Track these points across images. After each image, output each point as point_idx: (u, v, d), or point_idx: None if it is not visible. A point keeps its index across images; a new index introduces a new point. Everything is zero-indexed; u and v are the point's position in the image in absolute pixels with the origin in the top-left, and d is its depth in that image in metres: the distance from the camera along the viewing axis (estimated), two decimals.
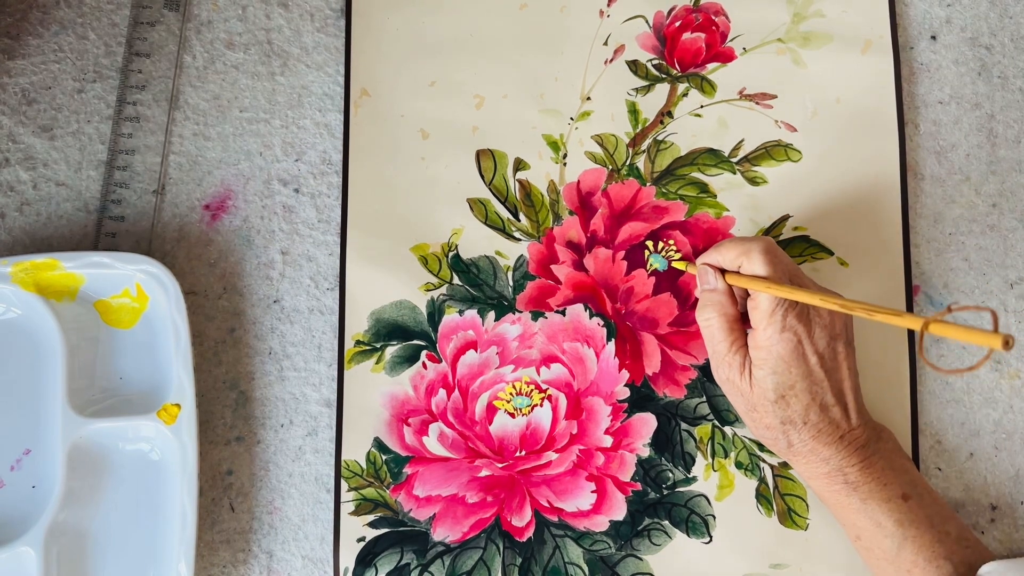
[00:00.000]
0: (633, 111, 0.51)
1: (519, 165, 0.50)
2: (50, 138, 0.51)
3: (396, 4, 0.52)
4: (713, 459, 0.48)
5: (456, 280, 0.49)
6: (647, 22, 0.52)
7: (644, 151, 0.50)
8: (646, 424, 0.48)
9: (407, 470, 0.48)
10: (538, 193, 0.50)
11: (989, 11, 0.52)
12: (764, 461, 0.48)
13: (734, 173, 0.50)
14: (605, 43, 0.51)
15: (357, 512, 0.47)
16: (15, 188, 0.50)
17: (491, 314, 0.49)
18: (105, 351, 0.48)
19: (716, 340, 0.43)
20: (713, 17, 0.51)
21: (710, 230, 0.50)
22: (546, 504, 0.47)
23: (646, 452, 0.48)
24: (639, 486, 0.47)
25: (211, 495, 0.48)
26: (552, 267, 0.49)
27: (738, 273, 0.43)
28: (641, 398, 0.48)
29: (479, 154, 0.51)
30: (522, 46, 0.51)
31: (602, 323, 0.49)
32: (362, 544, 0.47)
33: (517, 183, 0.50)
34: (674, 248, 0.49)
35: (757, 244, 0.42)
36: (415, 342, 0.49)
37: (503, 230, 0.50)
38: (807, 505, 0.47)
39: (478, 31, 0.52)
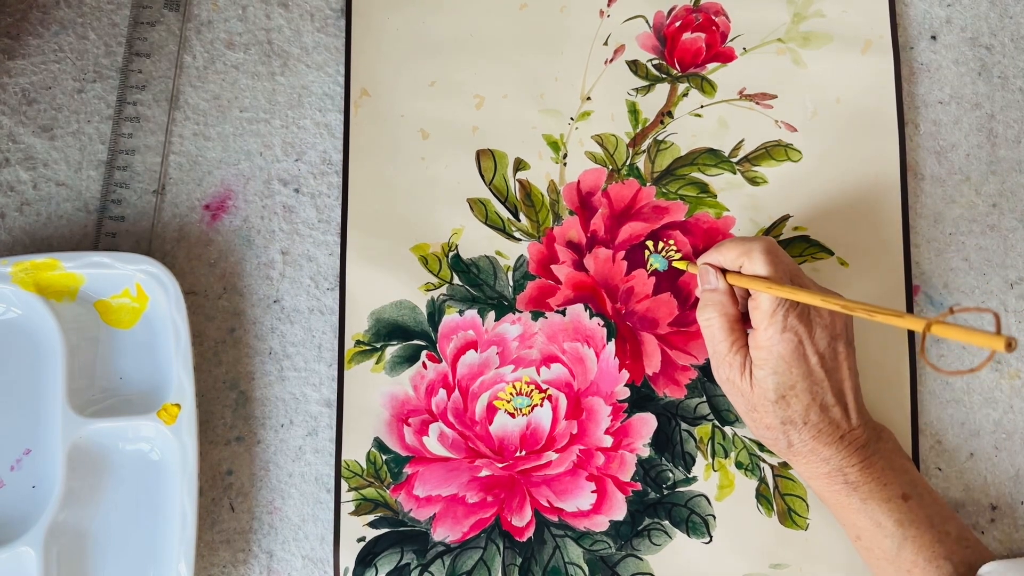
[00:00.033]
0: (633, 111, 0.51)
1: (519, 165, 0.50)
2: (50, 138, 0.51)
3: (396, 4, 0.52)
4: (713, 459, 0.48)
5: (456, 280, 0.49)
6: (647, 22, 0.52)
7: (644, 151, 0.50)
8: (646, 424, 0.48)
9: (407, 470, 0.48)
10: (538, 193, 0.50)
11: (989, 11, 0.52)
12: (764, 461, 0.48)
13: (734, 173, 0.50)
14: (605, 43, 0.51)
15: (357, 512, 0.47)
16: (15, 188, 0.50)
17: (491, 314, 0.49)
18: (105, 351, 0.48)
19: (717, 340, 0.43)
20: (713, 17, 0.51)
21: (710, 230, 0.49)
22: (546, 504, 0.47)
23: (646, 452, 0.48)
24: (639, 486, 0.47)
25: (211, 495, 0.48)
26: (552, 267, 0.49)
27: (739, 273, 0.43)
28: (641, 398, 0.48)
29: (479, 154, 0.51)
30: (522, 46, 0.51)
31: (602, 323, 0.49)
32: (362, 544, 0.47)
33: (517, 183, 0.50)
34: (674, 248, 0.49)
35: (758, 244, 0.42)
36: (415, 342, 0.49)
37: (503, 230, 0.50)
38: (807, 505, 0.47)
39: (478, 31, 0.52)
